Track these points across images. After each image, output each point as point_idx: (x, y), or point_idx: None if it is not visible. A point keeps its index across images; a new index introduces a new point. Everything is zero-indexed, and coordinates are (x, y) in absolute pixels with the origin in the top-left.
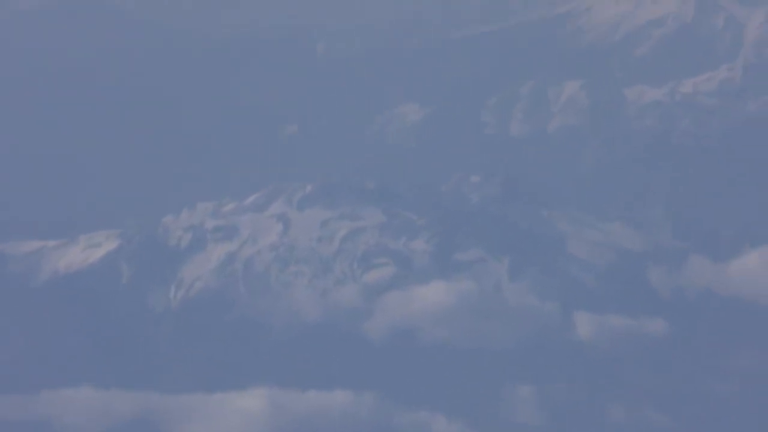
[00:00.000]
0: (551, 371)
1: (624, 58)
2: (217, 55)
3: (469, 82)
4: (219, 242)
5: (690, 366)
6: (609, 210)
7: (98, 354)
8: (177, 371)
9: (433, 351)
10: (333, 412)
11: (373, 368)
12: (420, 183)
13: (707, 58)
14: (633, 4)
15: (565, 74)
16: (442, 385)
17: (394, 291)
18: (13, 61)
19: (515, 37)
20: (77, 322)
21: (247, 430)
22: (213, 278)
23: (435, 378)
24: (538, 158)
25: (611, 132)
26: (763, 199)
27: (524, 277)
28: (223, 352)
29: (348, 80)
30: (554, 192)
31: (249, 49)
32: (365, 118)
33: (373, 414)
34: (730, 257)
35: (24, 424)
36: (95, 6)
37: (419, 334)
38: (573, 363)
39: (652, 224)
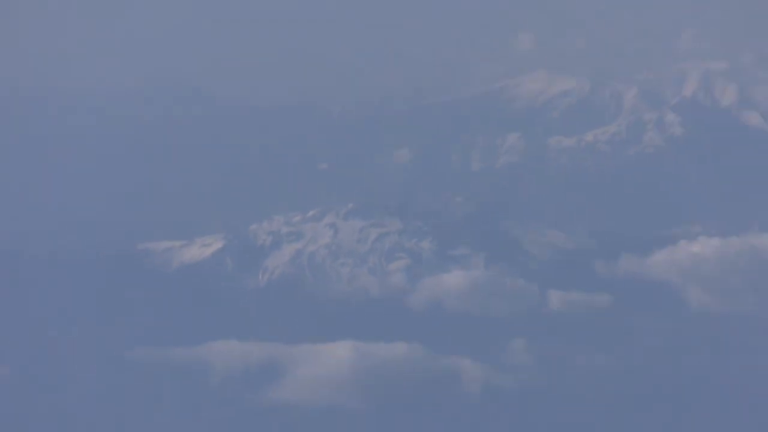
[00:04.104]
0: (535, 329)
1: (545, 117)
2: (268, 120)
3: (440, 135)
4: (291, 242)
5: (626, 326)
6: (546, 220)
7: (222, 317)
8: (282, 329)
9: (458, 318)
10: (397, 358)
11: (415, 328)
12: (420, 202)
13: (601, 117)
14: (546, 82)
15: (505, 129)
16: (466, 340)
17: (426, 277)
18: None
19: (469, 103)
20: (200, 298)
21: (342, 371)
22: (288, 267)
23: (460, 335)
24: (492, 185)
25: (540, 168)
26: (641, 212)
27: (496, 266)
28: (306, 316)
29: (357, 132)
30: (508, 208)
31: (287, 114)
32: (371, 158)
33: (422, 360)
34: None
35: (189, 370)
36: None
37: (446, 305)
38: (548, 323)
39: (576, 230)
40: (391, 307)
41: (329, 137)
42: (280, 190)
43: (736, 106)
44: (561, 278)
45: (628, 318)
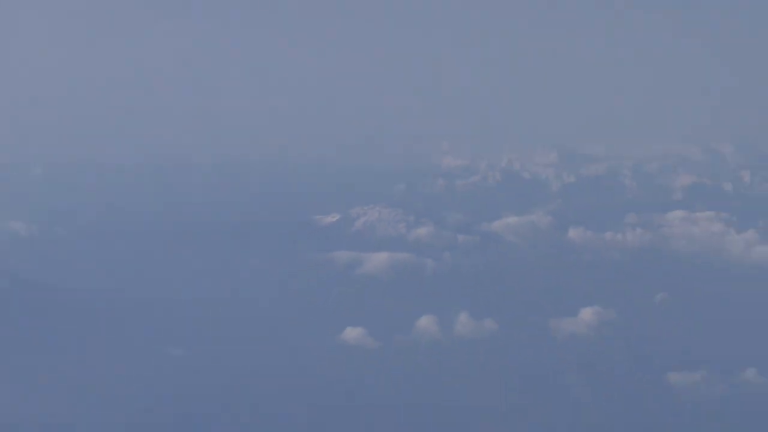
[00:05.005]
0: (452, 250)
1: (452, 173)
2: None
3: (413, 180)
4: (364, 216)
5: (486, 250)
6: (452, 210)
7: (339, 244)
8: (361, 247)
9: (424, 245)
10: (402, 259)
11: (409, 248)
12: (406, 204)
13: (473, 173)
14: (455, 159)
15: (437, 178)
16: (428, 252)
17: (411, 230)
18: None
19: (420, 168)
20: (332, 237)
21: (382, 264)
22: (363, 225)
23: (425, 251)
24: (432, 198)
25: (451, 192)
26: (487, 207)
27: (438, 228)
28: (369, 243)
29: (372, 177)
30: (439, 207)
31: (354, 171)
32: (382, 189)
33: (412, 260)
34: (492, 223)
35: (327, 263)
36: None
37: (420, 241)
38: (457, 248)
39: (463, 215)
40: (399, 241)
41: (362, 178)
42: (357, 199)
43: (519, 170)
44: (461, 230)
45: (485, 247)
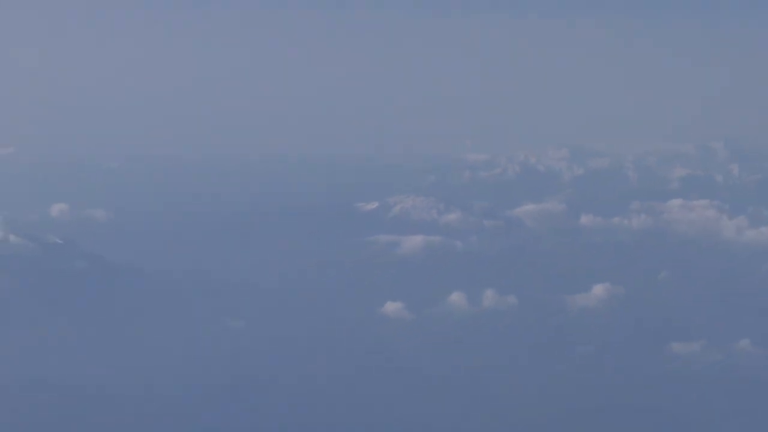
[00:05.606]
0: (477, 231)
1: (474, 167)
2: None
3: (441, 173)
4: (400, 203)
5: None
6: (471, 199)
7: (379, 227)
8: (399, 230)
9: (452, 227)
10: (434, 240)
11: (439, 231)
12: (434, 194)
13: (495, 167)
14: (479, 156)
15: (462, 170)
16: (455, 234)
17: (443, 216)
18: None
19: (444, 163)
20: (374, 220)
21: (417, 245)
22: (400, 211)
23: (453, 232)
24: (457, 188)
25: (476, 183)
26: (498, 195)
27: (465, 214)
28: (407, 226)
29: (404, 174)
30: (458, 197)
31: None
32: (408, 180)
33: (442, 241)
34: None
35: (371, 247)
36: None
37: (450, 224)
38: (481, 228)
39: (481, 203)
40: (432, 225)
41: (396, 172)
42: (393, 189)
43: (535, 163)
44: (486, 216)
45: (507, 231)
